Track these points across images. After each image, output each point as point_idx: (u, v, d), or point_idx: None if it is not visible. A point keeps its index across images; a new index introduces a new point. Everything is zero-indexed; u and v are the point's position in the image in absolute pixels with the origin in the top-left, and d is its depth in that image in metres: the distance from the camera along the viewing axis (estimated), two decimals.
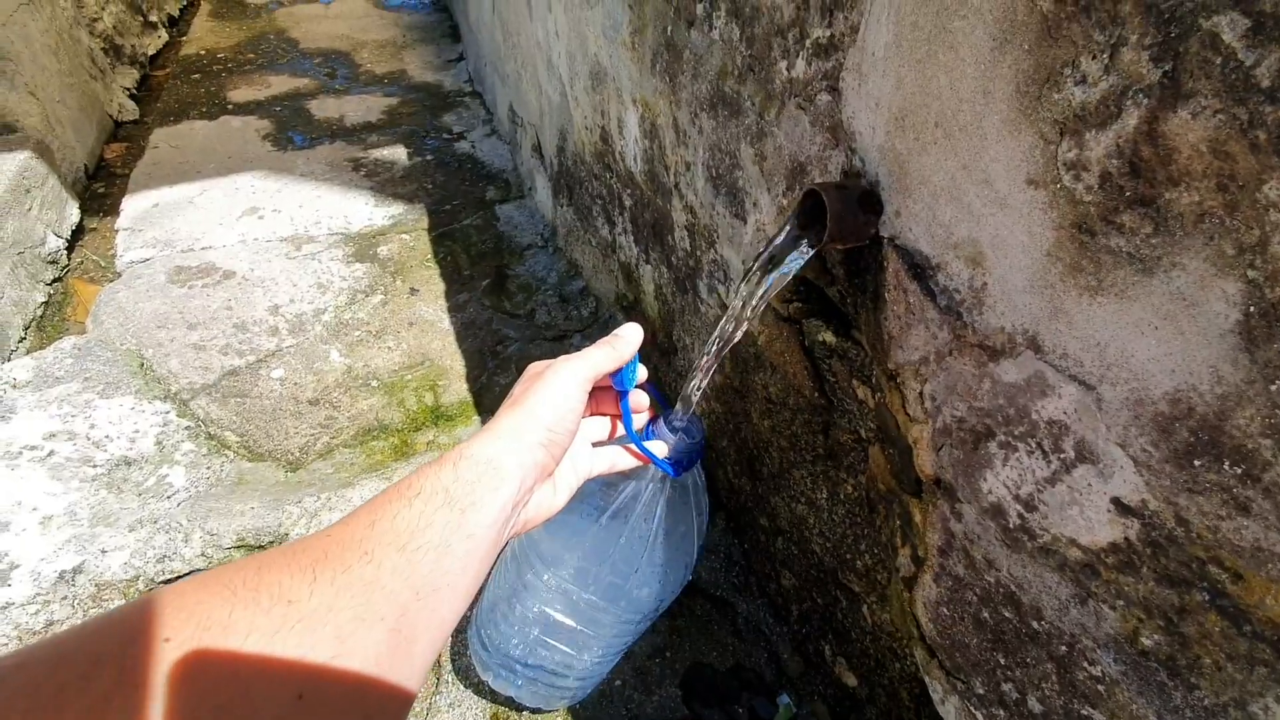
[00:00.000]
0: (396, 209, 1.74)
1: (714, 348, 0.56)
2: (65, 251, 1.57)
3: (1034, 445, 0.43)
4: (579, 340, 1.37)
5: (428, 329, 1.39)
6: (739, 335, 0.55)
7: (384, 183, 1.84)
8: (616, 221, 1.22)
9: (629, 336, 0.48)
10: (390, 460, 1.13)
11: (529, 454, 0.40)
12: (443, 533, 0.34)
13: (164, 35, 2.55)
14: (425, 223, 1.70)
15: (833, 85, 0.52)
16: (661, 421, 0.54)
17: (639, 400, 0.52)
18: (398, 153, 1.98)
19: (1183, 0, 0.29)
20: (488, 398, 1.25)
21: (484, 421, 1.24)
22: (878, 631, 0.68)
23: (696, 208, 0.83)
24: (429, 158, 1.96)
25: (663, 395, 0.56)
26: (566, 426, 0.42)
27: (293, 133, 2.04)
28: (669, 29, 0.78)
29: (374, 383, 1.27)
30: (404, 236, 1.65)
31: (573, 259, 1.53)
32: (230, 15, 2.82)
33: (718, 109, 0.71)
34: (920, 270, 0.47)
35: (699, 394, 0.56)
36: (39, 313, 1.42)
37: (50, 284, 1.49)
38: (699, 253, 0.87)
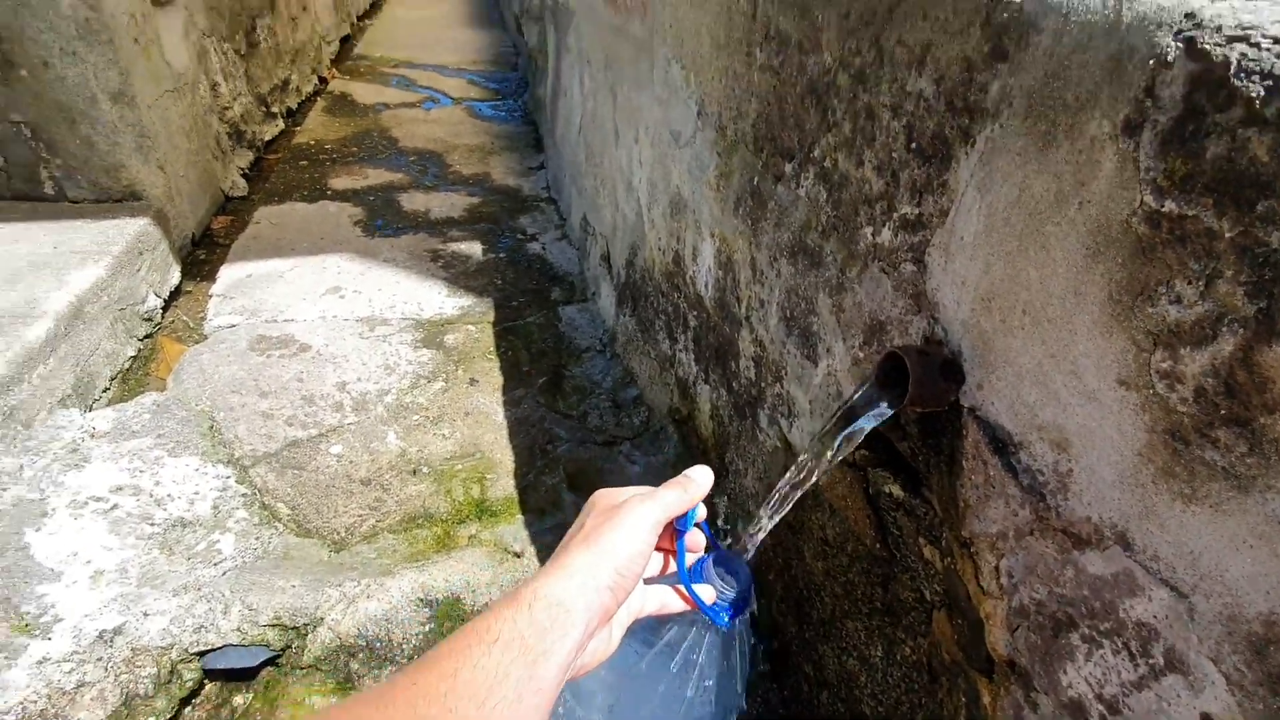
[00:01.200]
0: (466, 300, 1.83)
1: (779, 498, 0.56)
2: (161, 310, 1.69)
3: (1120, 645, 0.41)
4: (628, 448, 1.38)
5: (482, 420, 1.43)
6: (808, 485, 0.55)
7: (457, 275, 1.95)
8: (678, 338, 1.26)
9: (700, 480, 0.48)
10: (431, 551, 1.13)
11: (597, 597, 0.40)
12: (516, 687, 0.35)
13: (281, 124, 2.85)
14: (491, 316, 1.78)
15: (918, 258, 0.55)
16: (712, 562, 0.54)
17: (695, 540, 0.52)
18: (474, 248, 2.11)
19: (1277, 248, 0.31)
20: (532, 496, 1.26)
21: (526, 521, 1.25)
22: None
23: (766, 342, 0.86)
24: (501, 255, 2.09)
25: (712, 530, 0.55)
26: (635, 570, 0.42)
27: (381, 221, 2.21)
28: (755, 180, 0.85)
29: (425, 469, 1.30)
30: (470, 327, 1.72)
31: (629, 367, 1.57)
32: (341, 112, 3.14)
33: (798, 257, 0.76)
34: (1001, 445, 0.48)
35: (757, 543, 0.56)
36: (126, 365, 1.51)
37: (142, 340, 1.59)
38: (763, 384, 0.89)
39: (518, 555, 1.12)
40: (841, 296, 0.67)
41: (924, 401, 0.51)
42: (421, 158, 2.74)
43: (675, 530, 0.50)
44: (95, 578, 0.98)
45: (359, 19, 4.74)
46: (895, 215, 0.57)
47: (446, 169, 2.67)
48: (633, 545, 0.43)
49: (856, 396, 0.54)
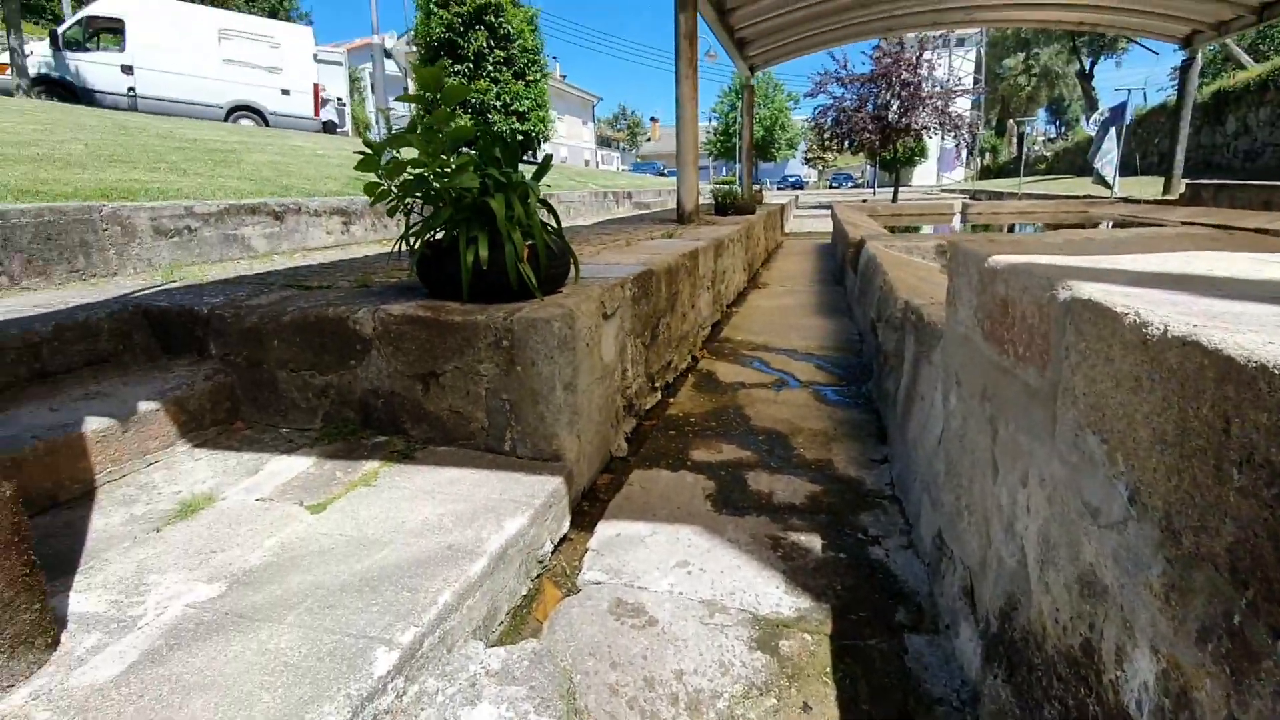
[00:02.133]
0: (804, 602, 1.79)
1: None
2: (550, 555, 2.02)
3: None
4: None
5: None
6: None
7: (796, 570, 1.95)
8: None
9: None
10: None
11: None
12: None
13: (659, 397, 3.43)
14: (828, 627, 1.70)
15: None
16: None
17: None
18: (813, 541, 2.11)
19: None
20: None
21: None
22: None
23: None
24: (842, 555, 2.03)
25: None
26: None
27: (729, 498, 2.39)
28: (1235, 618, 0.69)
29: None
30: (806, 636, 1.66)
31: None
32: (706, 389, 3.66)
33: None
34: None
35: None
36: (518, 603, 1.81)
37: (533, 580, 1.91)
38: None
39: None
40: None
41: None
42: (769, 437, 2.98)
43: None
44: None
45: (727, 307, 5.69)
46: None
47: (791, 452, 2.83)
48: None
49: None
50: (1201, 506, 0.77)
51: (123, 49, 14.70)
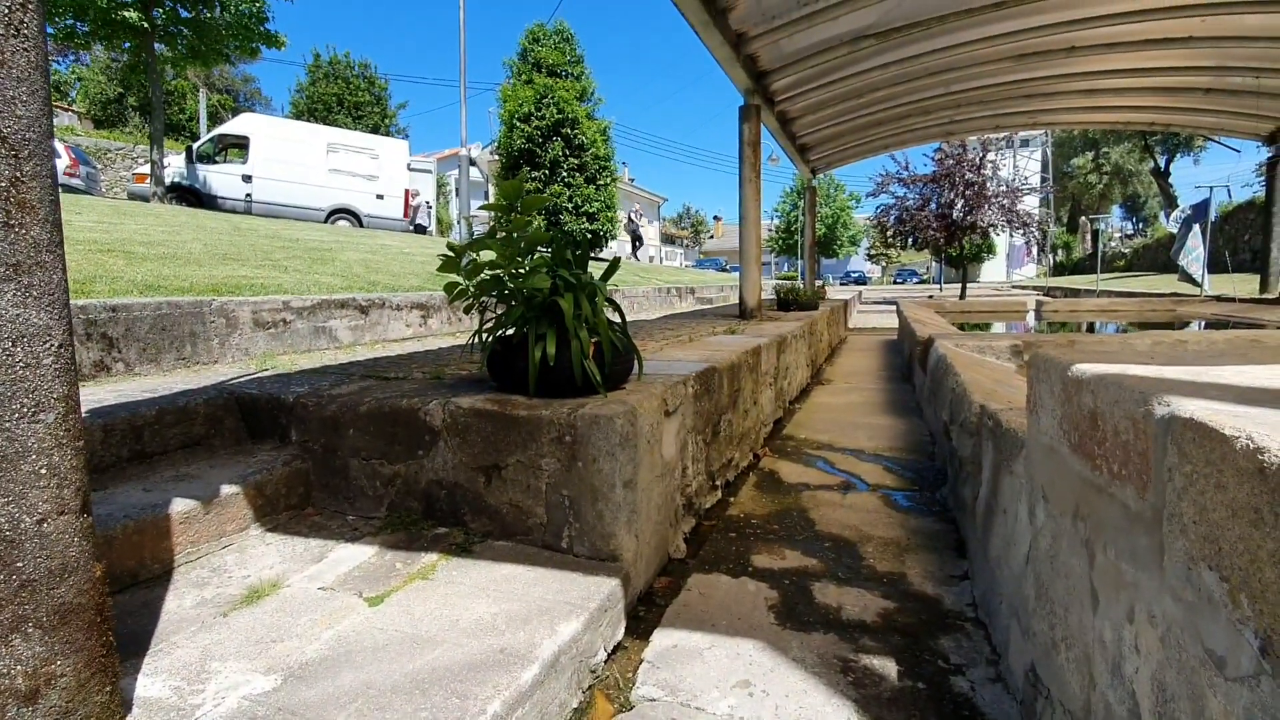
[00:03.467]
0: None
1: None
2: (603, 664, 1.93)
3: None
4: None
5: None
6: None
7: (868, 700, 1.78)
8: None
9: None
10: None
11: None
12: None
13: (719, 495, 3.34)
14: None
15: None
16: None
17: None
18: (887, 667, 1.93)
19: None
20: None
21: None
22: None
23: None
24: (920, 686, 1.85)
25: None
26: None
27: (794, 611, 2.24)
28: None
29: None
30: None
31: None
32: (768, 488, 3.55)
33: None
34: None
35: None
36: (568, 717, 1.72)
37: (584, 691, 1.81)
38: None
39: None
40: None
41: None
42: (836, 545, 2.82)
43: None
44: None
45: (790, 403, 5.59)
46: None
47: (860, 561, 2.67)
48: None
49: None
50: None
51: (245, 161, 16.72)
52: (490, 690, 1.50)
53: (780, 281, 10.30)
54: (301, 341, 5.15)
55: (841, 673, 1.90)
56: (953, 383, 3.54)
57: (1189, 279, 13.84)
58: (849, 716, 1.71)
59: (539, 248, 2.63)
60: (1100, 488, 1.35)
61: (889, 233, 21.84)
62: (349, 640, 1.70)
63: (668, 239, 69.78)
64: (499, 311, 2.66)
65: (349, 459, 2.59)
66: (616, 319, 2.78)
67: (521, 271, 2.56)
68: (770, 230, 47.53)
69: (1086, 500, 1.42)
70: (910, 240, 21.81)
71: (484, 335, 2.64)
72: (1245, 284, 13.30)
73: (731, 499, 3.38)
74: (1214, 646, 0.91)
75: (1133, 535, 1.19)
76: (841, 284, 48.54)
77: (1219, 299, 12.15)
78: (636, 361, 2.74)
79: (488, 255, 2.62)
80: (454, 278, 2.56)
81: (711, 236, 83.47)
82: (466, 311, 2.80)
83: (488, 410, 2.36)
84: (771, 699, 1.76)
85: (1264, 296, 11.28)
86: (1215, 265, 17.54)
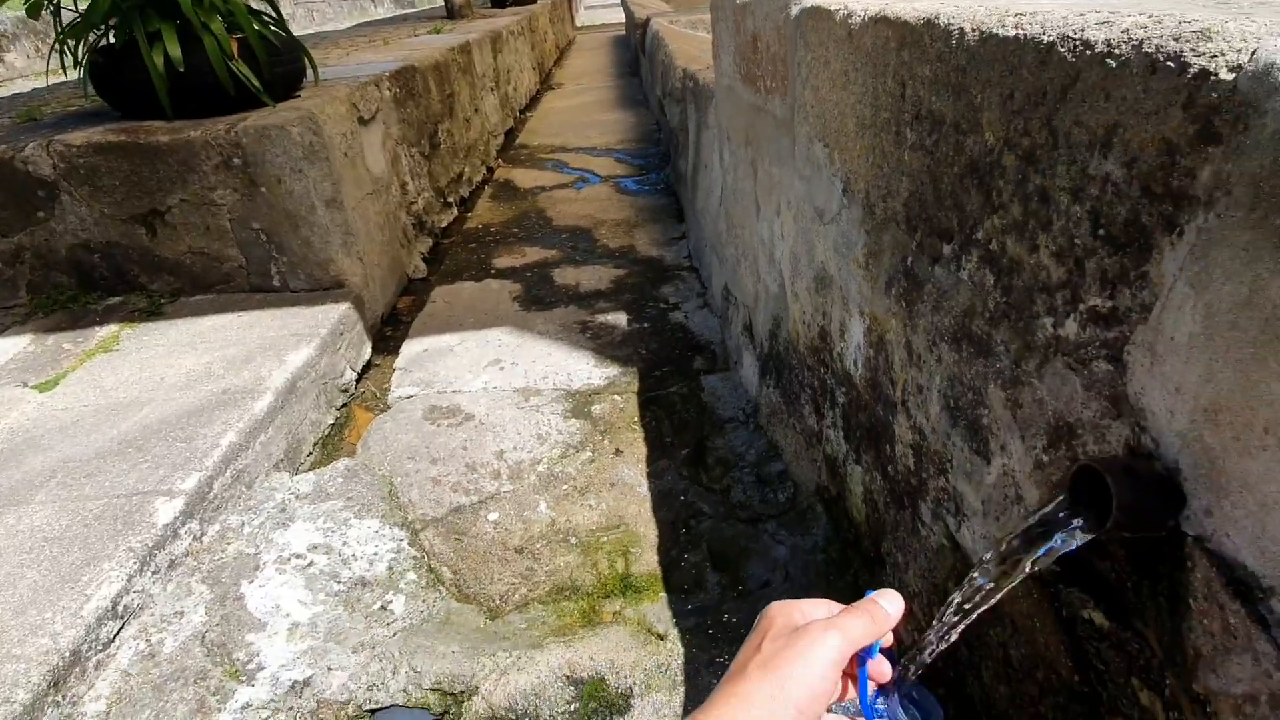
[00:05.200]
0: (612, 370, 1.90)
1: (953, 618, 0.51)
2: (355, 383, 1.93)
3: None
4: (773, 527, 1.32)
5: (627, 492, 1.45)
6: (983, 606, 0.49)
7: (604, 345, 2.04)
8: (825, 414, 1.21)
9: (890, 609, 0.44)
10: (577, 625, 1.14)
11: None
12: None
13: (455, 212, 3.21)
14: (636, 386, 1.83)
15: (1114, 356, 0.49)
16: (897, 695, 0.49)
17: (880, 669, 0.47)
18: (619, 318, 2.20)
19: None
20: (675, 575, 1.24)
21: (670, 600, 1.23)
22: None
23: (926, 431, 0.80)
24: (645, 325, 2.15)
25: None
26: (816, 711, 0.39)
27: (537, 296, 2.38)
28: (909, 260, 0.81)
29: (573, 540, 1.33)
30: (616, 398, 1.78)
31: (774, 440, 1.52)
32: (505, 198, 3.48)
33: (961, 344, 0.70)
34: (1245, 589, 0.40)
35: (931, 658, 0.50)
36: (326, 433, 1.73)
37: (339, 409, 1.82)
38: (925, 475, 0.82)
39: (661, 638, 1.10)
40: (1017, 390, 0.61)
41: (1133, 527, 0.44)
42: (573, 234, 2.95)
43: (857, 655, 0.46)
44: (292, 630, 1.11)
45: (520, 112, 5.28)
46: (1082, 307, 0.51)
47: (595, 243, 2.84)
48: (815, 683, 0.39)
49: (1046, 512, 0.48)
50: (887, 174, 0.85)
51: None
52: (220, 427, 1.42)
53: None
54: None
55: (581, 333, 2.13)
56: (663, 55, 3.54)
57: None
58: (588, 362, 1.95)
59: None
60: (760, 107, 1.49)
61: None
62: (25, 429, 1.46)
63: None
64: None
65: None
66: (268, 10, 2.19)
67: None
68: None
69: (753, 125, 1.58)
70: None
71: (72, 44, 1.95)
72: None
73: (468, 214, 3.27)
74: (820, 204, 1.12)
75: (779, 140, 1.35)
76: None
77: None
78: (308, 64, 2.26)
79: None
80: None
81: None
82: (33, 13, 2.01)
83: (114, 143, 1.84)
84: (521, 366, 1.93)
85: None
86: None
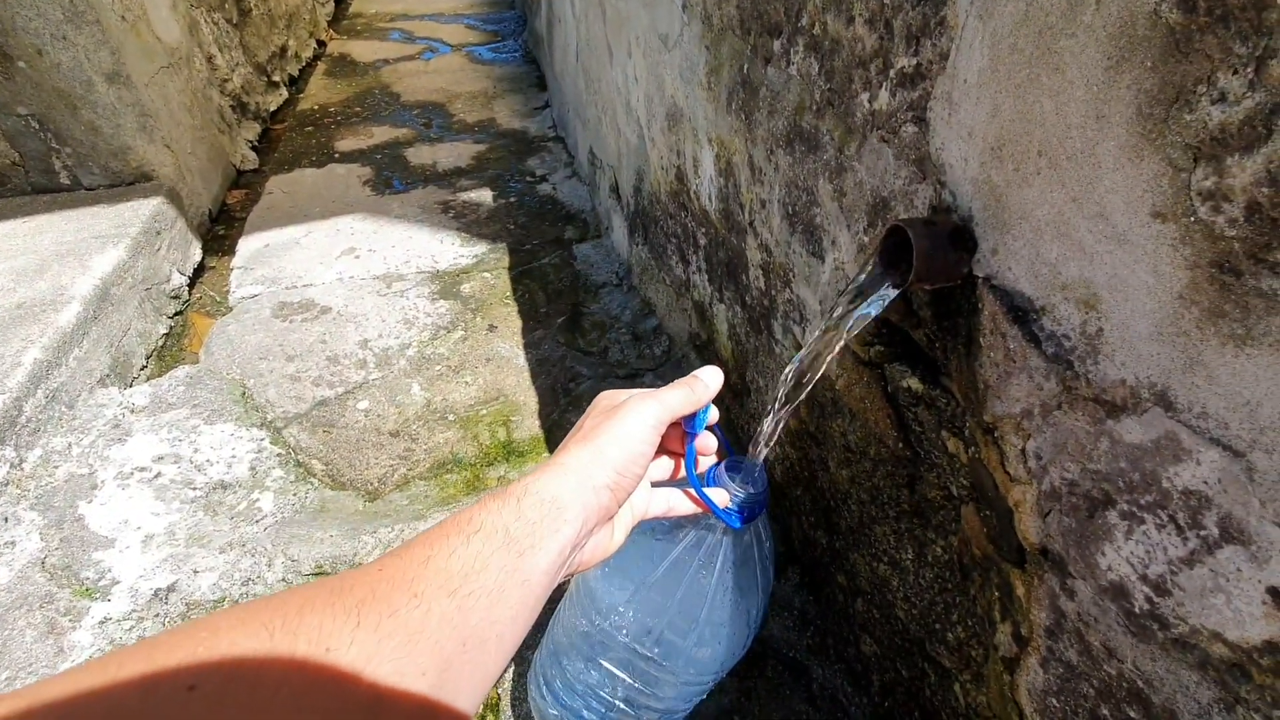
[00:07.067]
0: (480, 248, 1.81)
1: (784, 392, 0.52)
2: (187, 288, 1.72)
3: (1165, 518, 0.37)
4: (650, 379, 1.35)
5: (504, 365, 1.42)
6: (812, 380, 0.51)
7: (470, 224, 1.92)
8: (690, 260, 1.20)
9: (709, 381, 0.45)
10: (462, 494, 1.14)
11: (594, 496, 0.38)
12: (498, 577, 0.32)
13: (284, 93, 2.81)
14: (506, 261, 1.75)
15: (919, 116, 0.49)
16: (725, 468, 0.51)
17: (706, 443, 0.49)
18: (484, 195, 2.07)
19: None
20: (558, 434, 1.25)
21: None
22: (972, 715, 0.61)
23: (772, 246, 0.81)
24: (512, 200, 2.04)
25: (730, 441, 0.52)
26: (635, 471, 0.40)
27: (391, 178, 2.18)
28: (745, 67, 0.78)
29: (450, 417, 1.30)
30: (486, 275, 1.70)
31: (647, 298, 1.52)
32: (342, 74, 3.08)
33: (794, 145, 0.69)
34: (1022, 313, 0.43)
35: (769, 442, 0.53)
36: (160, 343, 1.55)
37: (172, 317, 1.63)
38: (774, 292, 0.84)
39: None
40: (841, 179, 0.61)
41: (932, 276, 0.46)
42: (425, 110, 2.68)
43: (686, 433, 0.48)
44: (146, 542, 1.03)
45: None
46: (892, 72, 0.51)
47: (451, 119, 2.61)
48: (632, 445, 0.40)
49: (860, 279, 0.49)
50: None
51: None
52: (20, 344, 1.23)
53: None
54: None
55: (443, 213, 1.98)
56: None
57: None
58: (454, 242, 1.84)
59: None
60: None
61: None
62: None
63: None
64: None
65: None
66: None
67: None
68: None
69: None
70: None
71: None
72: None
73: (301, 94, 2.88)
74: (664, 29, 1.05)
75: None
76: None
77: None
78: None
79: None
80: None
81: None
82: None
83: None
84: (379, 253, 1.79)
85: None
86: None
